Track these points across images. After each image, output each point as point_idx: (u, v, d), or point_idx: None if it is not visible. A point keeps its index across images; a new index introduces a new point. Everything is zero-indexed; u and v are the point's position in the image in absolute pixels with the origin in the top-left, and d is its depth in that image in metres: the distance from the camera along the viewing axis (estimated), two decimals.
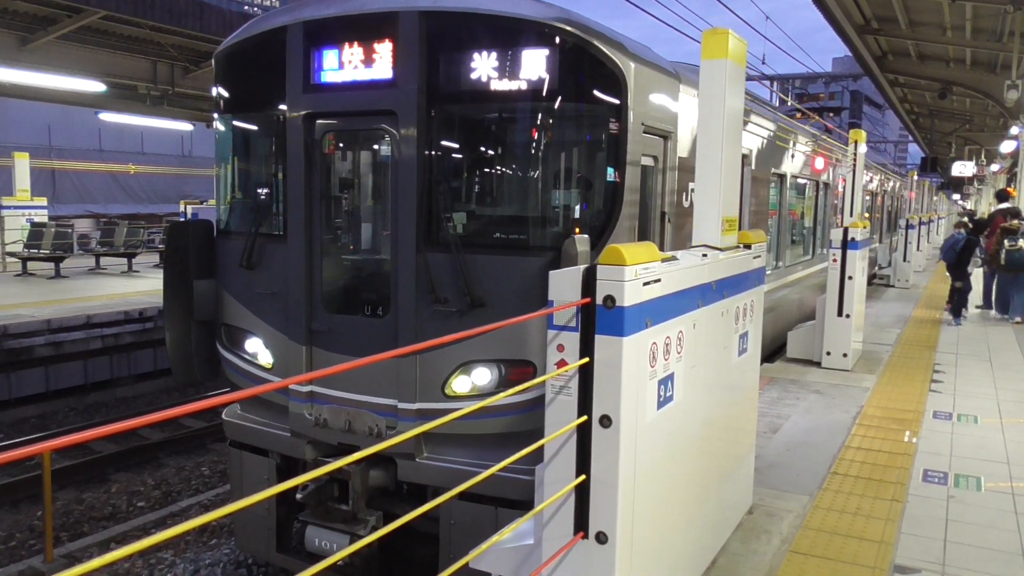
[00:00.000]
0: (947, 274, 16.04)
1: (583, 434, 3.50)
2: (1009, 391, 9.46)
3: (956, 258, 15.00)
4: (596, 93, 5.57)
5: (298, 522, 6.29)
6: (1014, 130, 19.91)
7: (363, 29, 5.80)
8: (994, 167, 35.71)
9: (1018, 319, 14.52)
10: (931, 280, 22.77)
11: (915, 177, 33.11)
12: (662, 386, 3.78)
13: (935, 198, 45.51)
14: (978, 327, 14.29)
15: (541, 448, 3.55)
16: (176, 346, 6.86)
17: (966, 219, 18.01)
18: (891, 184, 26.24)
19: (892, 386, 9.61)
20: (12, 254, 21.30)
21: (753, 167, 9.48)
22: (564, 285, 3.50)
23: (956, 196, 67.12)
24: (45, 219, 23.60)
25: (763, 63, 28.84)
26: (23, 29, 15.22)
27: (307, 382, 6.09)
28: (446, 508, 5.61)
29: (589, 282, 3.44)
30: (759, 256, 5.36)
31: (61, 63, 16.07)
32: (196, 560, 8.08)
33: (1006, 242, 13.86)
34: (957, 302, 14.95)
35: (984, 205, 44.44)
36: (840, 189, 15.88)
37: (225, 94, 6.77)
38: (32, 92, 17.99)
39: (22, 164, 24.61)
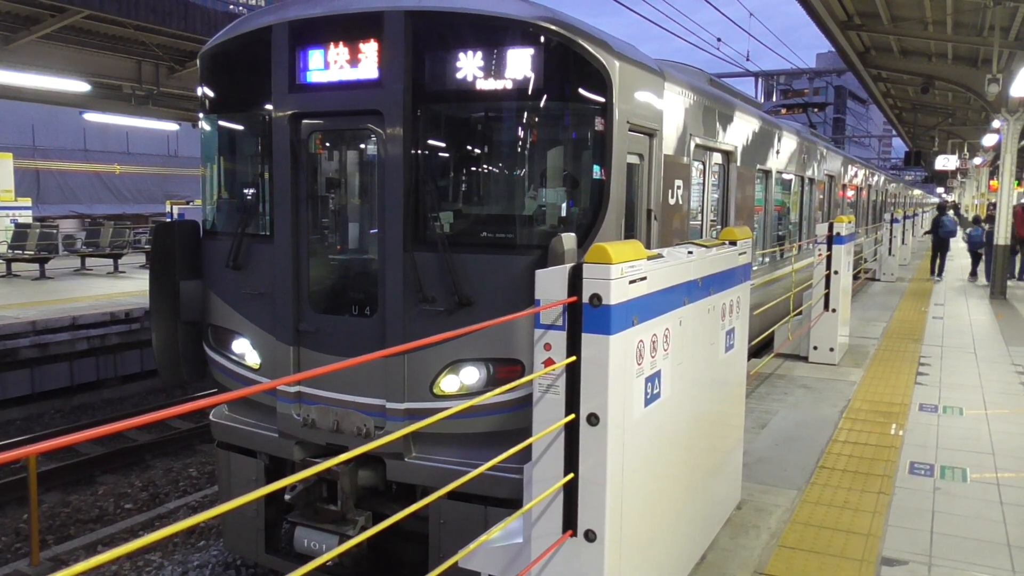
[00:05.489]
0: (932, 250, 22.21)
1: (571, 432, 3.51)
2: (994, 382, 9.54)
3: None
4: (581, 92, 5.57)
5: (287, 523, 6.28)
6: (996, 123, 20.07)
7: (348, 29, 5.79)
8: (977, 160, 35.98)
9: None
10: (916, 274, 22.93)
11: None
12: (649, 383, 3.79)
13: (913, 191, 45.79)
14: (963, 320, 14.40)
15: (529, 447, 3.56)
16: (163, 347, 6.82)
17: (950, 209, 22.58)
18: (875, 179, 26.38)
19: (878, 379, 9.67)
20: None
21: (739, 164, 9.51)
22: (550, 284, 3.50)
23: (940, 189, 67.73)
24: (29, 220, 23.45)
25: (747, 60, 28.93)
26: (5, 28, 15.07)
27: (295, 383, 6.08)
28: (435, 507, 5.61)
29: (575, 281, 3.43)
30: (745, 252, 5.38)
31: (44, 63, 15.95)
32: (184, 562, 8.06)
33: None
34: (939, 267, 21.58)
35: (967, 198, 44.77)
36: (824, 183, 16.02)
37: (211, 94, 6.74)
38: (15, 92, 17.86)
39: (6, 164, 24.48)
